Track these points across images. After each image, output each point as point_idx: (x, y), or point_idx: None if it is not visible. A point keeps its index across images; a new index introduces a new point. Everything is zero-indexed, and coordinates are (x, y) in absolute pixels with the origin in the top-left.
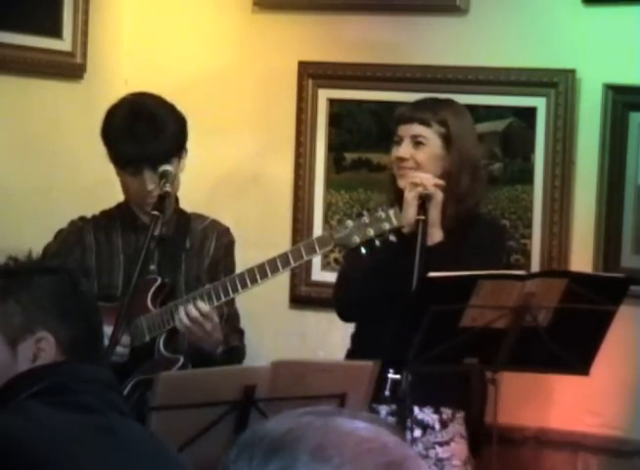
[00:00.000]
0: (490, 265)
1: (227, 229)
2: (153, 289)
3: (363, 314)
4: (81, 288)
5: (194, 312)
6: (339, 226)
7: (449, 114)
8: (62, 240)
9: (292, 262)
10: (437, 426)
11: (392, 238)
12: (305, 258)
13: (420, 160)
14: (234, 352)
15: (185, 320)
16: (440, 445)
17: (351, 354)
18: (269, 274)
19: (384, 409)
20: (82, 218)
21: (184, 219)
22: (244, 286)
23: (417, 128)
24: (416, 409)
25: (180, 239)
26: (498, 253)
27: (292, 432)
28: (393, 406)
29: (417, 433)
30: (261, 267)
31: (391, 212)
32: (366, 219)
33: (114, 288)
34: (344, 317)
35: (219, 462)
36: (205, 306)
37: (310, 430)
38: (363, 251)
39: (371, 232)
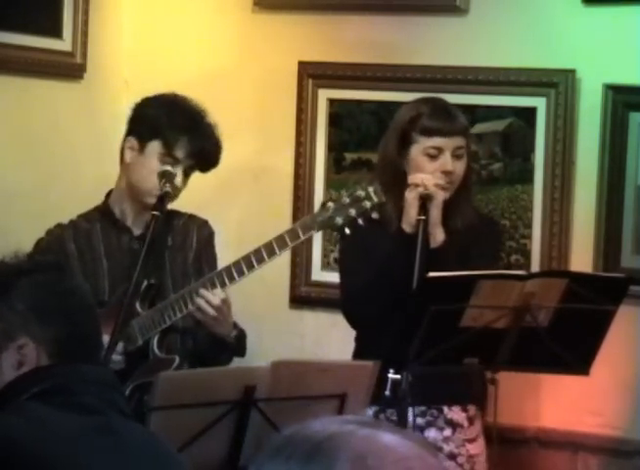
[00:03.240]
0: (490, 262)
1: (206, 222)
2: (140, 291)
3: (372, 318)
4: (66, 286)
5: (217, 300)
6: (320, 210)
7: (465, 118)
8: (42, 249)
9: (277, 251)
10: (466, 423)
11: (375, 216)
12: (290, 244)
13: (460, 172)
14: (241, 335)
15: (209, 309)
16: (470, 441)
17: (356, 356)
18: (255, 265)
19: (370, 409)
20: (60, 226)
21: (165, 217)
22: (231, 279)
23: (459, 141)
24: (445, 409)
25: (163, 237)
26: (496, 249)
27: (333, 438)
28: (375, 407)
29: (447, 432)
30: (247, 258)
31: (371, 190)
32: (346, 199)
33: (101, 293)
34: (354, 323)
35: (220, 462)
36: (222, 292)
37: (352, 438)
38: (347, 231)
39: (352, 212)
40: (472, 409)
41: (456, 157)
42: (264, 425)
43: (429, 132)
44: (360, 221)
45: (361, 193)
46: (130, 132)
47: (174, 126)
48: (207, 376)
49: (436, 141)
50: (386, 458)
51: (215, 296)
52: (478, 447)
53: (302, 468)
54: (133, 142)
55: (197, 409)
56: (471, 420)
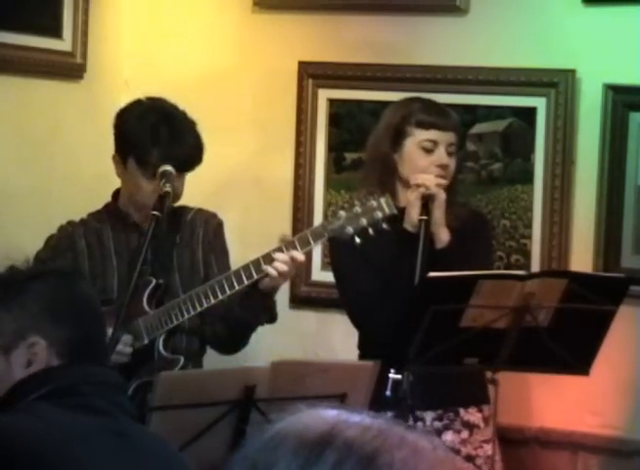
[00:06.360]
0: (488, 256)
1: (214, 214)
2: (148, 290)
3: (381, 323)
4: (77, 290)
5: (302, 257)
6: (331, 218)
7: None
8: (53, 246)
9: None
10: (482, 424)
11: (386, 226)
12: (300, 251)
13: (453, 170)
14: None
15: (284, 268)
16: (487, 442)
17: (362, 358)
18: (264, 269)
19: (429, 416)
20: (71, 223)
21: (174, 215)
22: (240, 282)
23: (452, 137)
24: (461, 410)
25: (171, 236)
26: (490, 241)
27: (382, 453)
28: (439, 411)
29: (464, 434)
30: (256, 262)
31: (383, 201)
32: (358, 209)
33: (110, 292)
34: (365, 331)
35: (220, 462)
36: (301, 255)
37: (398, 452)
38: (358, 240)
39: (364, 222)
40: (486, 410)
41: (449, 153)
42: (264, 425)
43: (425, 125)
44: (371, 231)
45: (373, 203)
46: (115, 149)
47: (144, 141)
48: (207, 376)
49: (433, 134)
50: None
51: (293, 255)
52: (494, 448)
53: None
54: (117, 158)
55: (197, 409)
56: (486, 420)
